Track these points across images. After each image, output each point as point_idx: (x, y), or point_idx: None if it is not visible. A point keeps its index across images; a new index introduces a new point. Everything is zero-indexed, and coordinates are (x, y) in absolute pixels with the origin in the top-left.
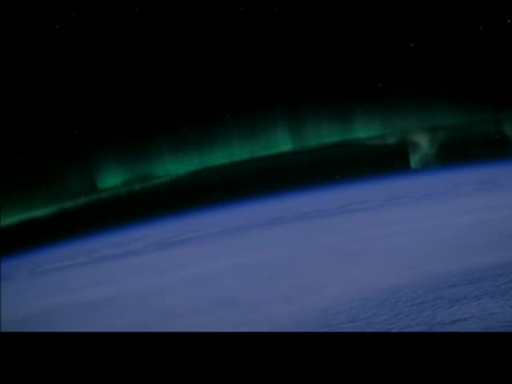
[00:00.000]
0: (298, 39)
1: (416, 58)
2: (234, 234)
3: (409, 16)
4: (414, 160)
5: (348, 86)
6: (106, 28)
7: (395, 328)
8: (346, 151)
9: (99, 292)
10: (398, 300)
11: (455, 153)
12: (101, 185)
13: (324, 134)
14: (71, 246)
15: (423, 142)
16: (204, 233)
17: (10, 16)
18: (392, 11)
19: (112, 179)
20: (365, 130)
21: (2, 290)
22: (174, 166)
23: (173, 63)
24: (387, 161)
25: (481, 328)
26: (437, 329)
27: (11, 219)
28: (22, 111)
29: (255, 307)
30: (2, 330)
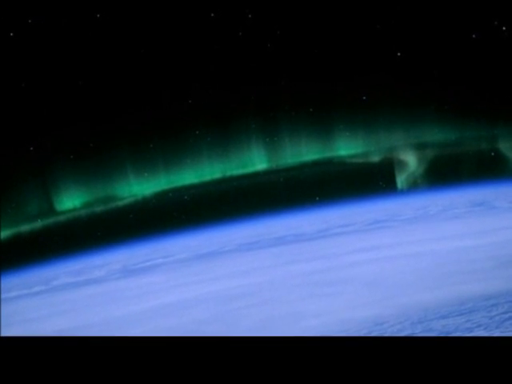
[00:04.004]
0: (275, 48)
1: (403, 69)
2: (204, 260)
3: (395, 22)
4: (401, 180)
5: (329, 98)
6: (66, 36)
7: None
8: (326, 170)
9: (58, 323)
10: (383, 332)
11: (445, 172)
12: (59, 207)
13: (302, 152)
14: (27, 273)
15: (410, 161)
16: (172, 259)
17: None
18: (377, 16)
19: (71, 201)
20: (347, 148)
21: None
22: (138, 187)
23: (136, 72)
24: (371, 181)
25: None
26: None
27: None
28: None
29: None
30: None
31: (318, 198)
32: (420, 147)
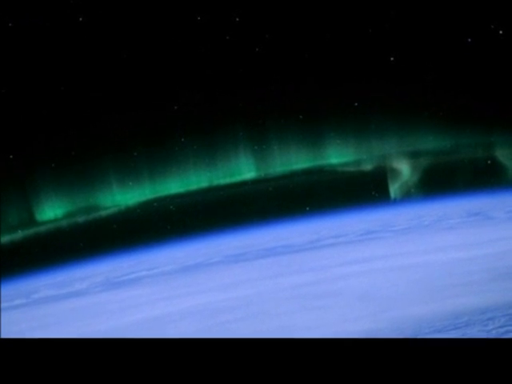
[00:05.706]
0: (263, 52)
1: (396, 74)
2: (190, 272)
3: (388, 26)
4: (394, 189)
5: (319, 105)
6: (47, 41)
7: None
8: (316, 179)
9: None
10: None
11: (440, 181)
12: (40, 217)
13: (292, 160)
14: (7, 286)
15: (404, 169)
16: (156, 271)
17: None
18: (369, 19)
19: (52, 211)
20: (338, 156)
21: None
22: (122, 196)
23: (120, 77)
24: (363, 190)
25: None
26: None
27: None
28: None
29: None
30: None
31: (308, 208)
32: (414, 155)
